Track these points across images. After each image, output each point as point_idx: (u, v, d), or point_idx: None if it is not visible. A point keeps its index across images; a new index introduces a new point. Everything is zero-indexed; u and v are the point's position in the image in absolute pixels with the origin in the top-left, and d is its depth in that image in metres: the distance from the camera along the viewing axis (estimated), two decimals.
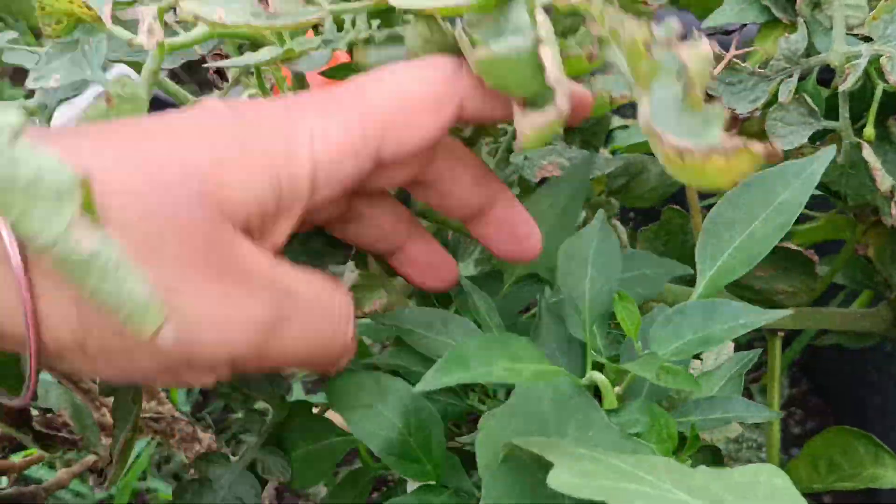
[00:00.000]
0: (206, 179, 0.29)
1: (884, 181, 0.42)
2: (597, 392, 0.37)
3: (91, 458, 0.47)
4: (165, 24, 0.36)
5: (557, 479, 0.29)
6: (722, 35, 0.47)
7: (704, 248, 0.39)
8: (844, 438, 0.52)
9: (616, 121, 0.77)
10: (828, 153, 0.39)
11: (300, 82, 0.41)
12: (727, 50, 0.45)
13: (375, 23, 0.38)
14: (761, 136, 0.49)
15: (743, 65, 0.44)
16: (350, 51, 0.39)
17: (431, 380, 0.34)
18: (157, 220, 0.28)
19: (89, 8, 0.33)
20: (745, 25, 0.47)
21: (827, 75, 0.45)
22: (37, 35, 0.46)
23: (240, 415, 0.79)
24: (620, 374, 0.37)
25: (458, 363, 0.34)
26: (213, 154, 0.30)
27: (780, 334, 0.55)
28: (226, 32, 0.36)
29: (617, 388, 0.37)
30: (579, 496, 0.28)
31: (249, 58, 0.37)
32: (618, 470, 0.30)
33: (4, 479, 0.51)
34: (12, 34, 0.42)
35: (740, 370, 0.42)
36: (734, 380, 0.42)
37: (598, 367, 0.38)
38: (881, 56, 0.41)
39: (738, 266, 0.38)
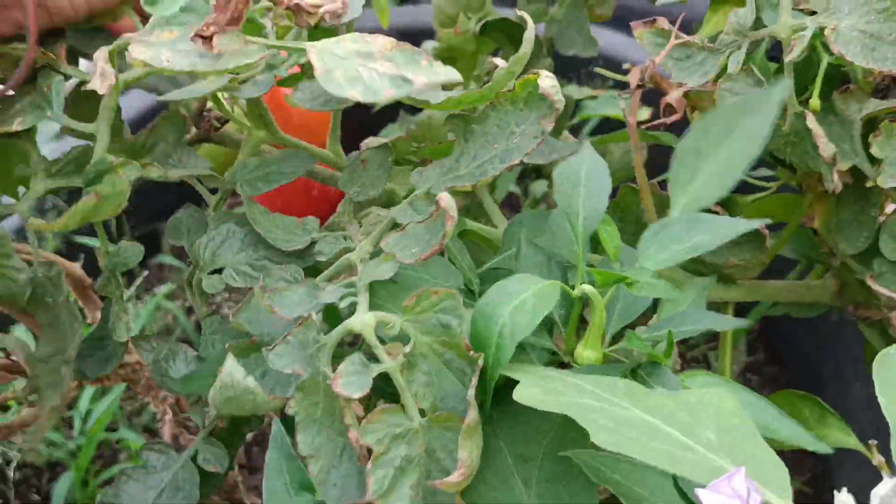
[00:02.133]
0: None
1: (826, 148, 0.44)
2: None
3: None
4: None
5: (524, 394, 0.31)
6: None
7: (677, 177, 0.40)
8: (791, 400, 0.55)
9: (585, 90, 0.79)
10: (784, 85, 0.40)
11: (255, 104, 0.43)
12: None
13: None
14: (712, 106, 0.51)
15: (692, 40, 0.46)
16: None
17: None
18: None
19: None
20: None
21: (776, 53, 0.47)
22: None
23: None
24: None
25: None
26: None
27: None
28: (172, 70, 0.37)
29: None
30: (544, 409, 0.30)
31: (195, 88, 0.38)
32: (579, 388, 0.32)
33: None
34: None
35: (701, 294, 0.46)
36: (697, 302, 0.46)
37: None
38: (825, 28, 0.43)
39: (711, 192, 0.39)
